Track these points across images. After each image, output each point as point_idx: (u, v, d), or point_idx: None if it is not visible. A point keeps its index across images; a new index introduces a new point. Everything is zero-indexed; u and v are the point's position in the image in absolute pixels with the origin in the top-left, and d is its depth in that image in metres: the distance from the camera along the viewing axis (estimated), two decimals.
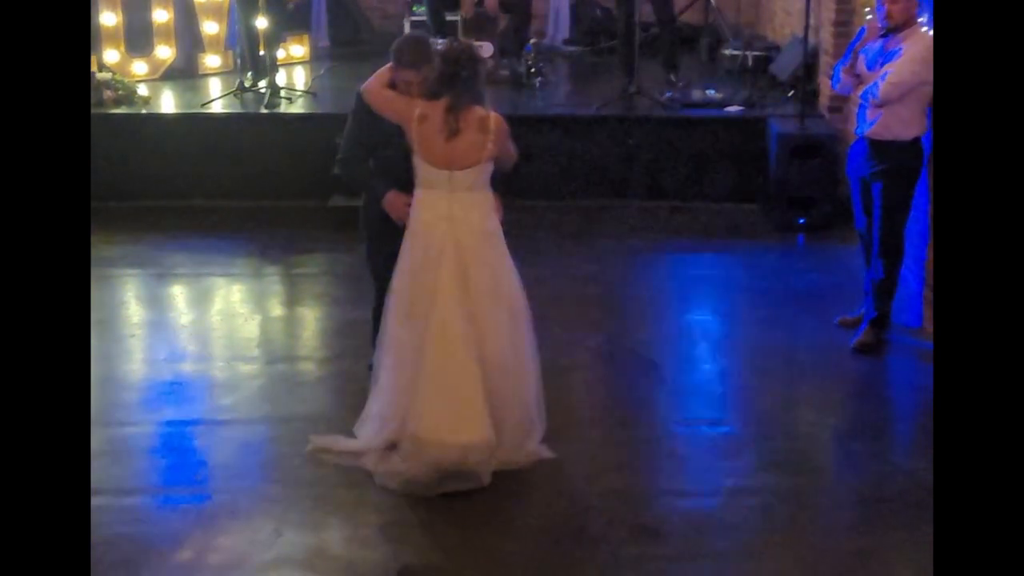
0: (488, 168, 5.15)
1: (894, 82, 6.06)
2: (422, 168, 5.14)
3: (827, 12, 8.94)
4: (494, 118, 5.10)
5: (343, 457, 5.28)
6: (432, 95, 5.09)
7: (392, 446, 5.23)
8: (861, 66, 6.31)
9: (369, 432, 5.32)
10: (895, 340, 6.54)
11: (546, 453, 5.33)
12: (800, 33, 8.84)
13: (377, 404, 5.33)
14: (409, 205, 5.24)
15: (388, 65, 5.32)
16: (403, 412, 5.18)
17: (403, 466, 5.12)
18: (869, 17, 7.37)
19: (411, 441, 5.11)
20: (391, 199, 5.34)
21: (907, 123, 6.16)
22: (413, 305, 5.17)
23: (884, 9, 6.14)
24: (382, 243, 5.50)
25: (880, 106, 6.16)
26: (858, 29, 8.42)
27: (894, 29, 6.14)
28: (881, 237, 6.33)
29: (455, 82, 5.04)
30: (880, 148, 6.25)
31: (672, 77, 9.57)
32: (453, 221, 5.11)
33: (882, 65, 6.18)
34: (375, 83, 5.30)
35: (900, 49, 6.12)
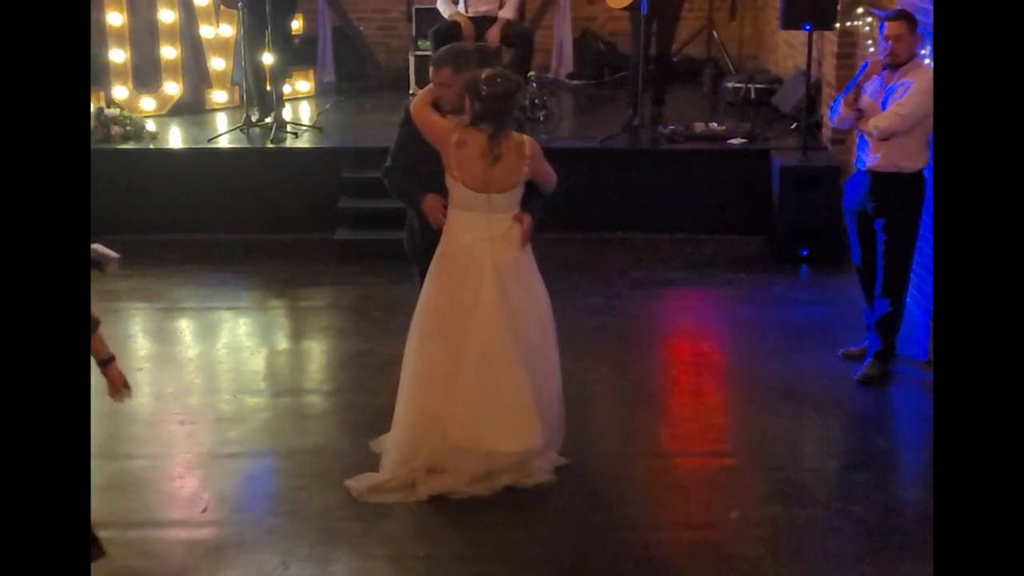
0: (522, 189, 5.31)
1: (902, 114, 6.08)
2: (459, 191, 5.26)
3: (829, 45, 9.00)
4: (529, 142, 5.25)
5: (379, 494, 5.33)
6: (475, 123, 5.19)
7: (420, 474, 5.34)
8: (865, 99, 6.34)
9: (394, 462, 5.39)
10: (900, 372, 6.55)
11: (561, 460, 5.52)
12: (803, 66, 8.89)
13: (401, 431, 5.40)
14: (446, 208, 5.35)
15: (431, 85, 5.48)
16: (430, 436, 5.28)
17: (449, 481, 5.28)
18: (872, 50, 7.43)
19: (452, 454, 5.21)
20: (429, 202, 5.43)
21: (911, 155, 6.18)
22: (448, 321, 5.30)
23: (889, 46, 6.16)
24: None
25: (884, 139, 6.18)
26: (860, 63, 8.52)
27: (897, 65, 6.19)
28: (885, 271, 6.33)
29: (501, 115, 5.16)
30: (884, 181, 6.26)
31: (659, 114, 9.58)
32: (493, 240, 5.26)
33: (884, 99, 6.20)
34: (420, 101, 5.43)
35: (901, 84, 6.16)
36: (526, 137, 5.27)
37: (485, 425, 5.23)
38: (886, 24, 6.22)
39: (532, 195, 5.39)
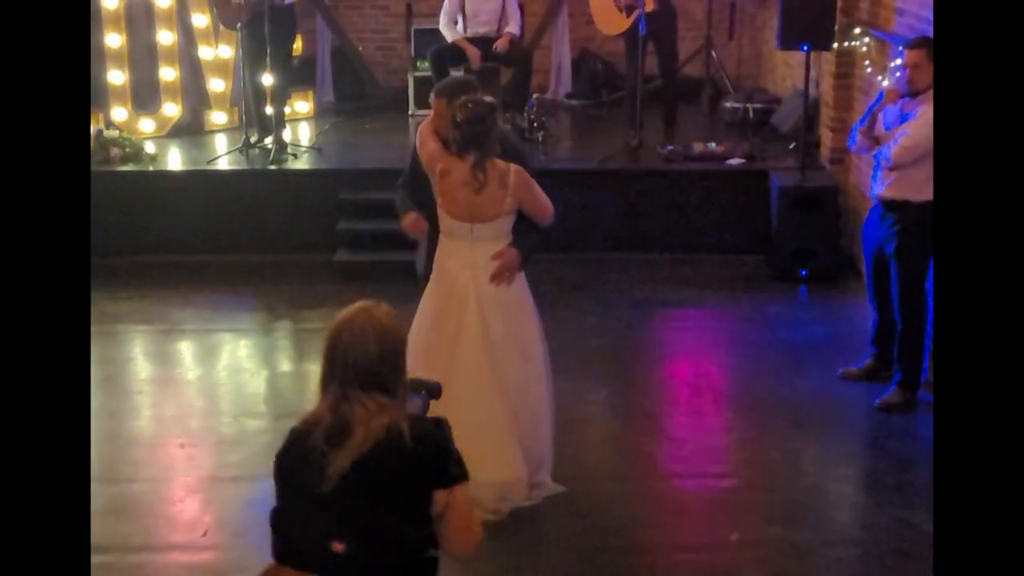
0: (509, 220, 5.28)
1: (908, 145, 6.04)
2: (444, 219, 5.30)
3: (827, 65, 9.03)
4: (514, 172, 5.21)
5: None
6: (459, 151, 5.19)
7: None
8: (879, 128, 6.31)
9: None
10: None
11: (557, 488, 5.48)
12: (801, 86, 8.92)
13: None
14: (417, 224, 5.53)
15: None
16: None
17: None
18: (883, 81, 7.45)
19: None
20: (409, 218, 5.58)
21: (918, 186, 6.06)
22: (431, 350, 5.32)
23: (907, 73, 6.11)
24: None
25: (893, 168, 6.16)
26: (858, 83, 8.56)
27: (915, 93, 6.12)
28: (900, 299, 6.27)
29: (480, 140, 5.14)
30: (893, 209, 6.22)
31: (669, 134, 9.60)
32: (475, 270, 5.26)
33: (899, 126, 6.18)
34: (423, 125, 5.52)
35: (916, 112, 6.10)
36: (513, 167, 5.21)
37: (469, 455, 5.22)
38: (905, 52, 6.16)
39: (525, 229, 5.35)
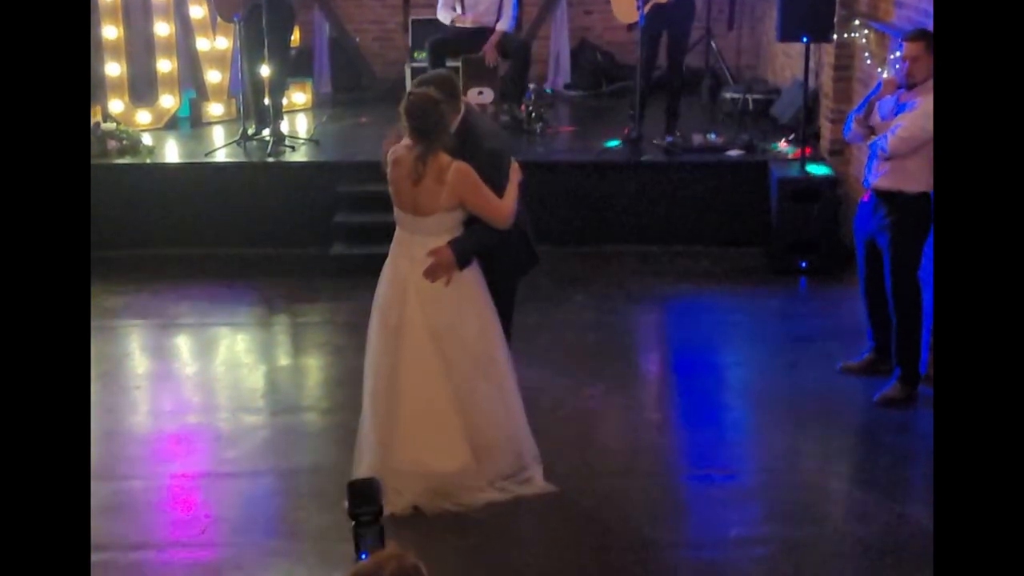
0: (451, 216, 5.24)
1: (904, 136, 6.01)
2: (394, 209, 5.35)
3: (827, 56, 9.00)
4: (455, 170, 5.14)
5: None
6: (410, 142, 5.22)
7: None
8: (875, 118, 6.27)
9: (368, 466, 5.37)
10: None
11: (548, 487, 5.45)
12: (800, 76, 8.89)
13: (364, 445, 5.43)
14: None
15: None
16: (382, 449, 5.31)
17: (394, 500, 5.18)
18: (882, 72, 7.41)
19: (392, 475, 5.17)
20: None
21: (914, 176, 6.05)
22: (378, 339, 5.36)
23: (906, 66, 6.07)
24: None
25: (888, 159, 6.13)
26: (858, 74, 8.52)
27: (912, 85, 6.08)
28: (893, 292, 6.24)
29: (424, 132, 5.13)
30: (887, 200, 6.19)
31: (671, 126, 9.56)
32: (413, 262, 5.26)
33: (895, 117, 6.14)
34: None
35: (913, 103, 6.06)
36: (456, 164, 5.13)
37: (422, 446, 5.26)
38: (904, 44, 6.11)
39: (479, 229, 5.28)
